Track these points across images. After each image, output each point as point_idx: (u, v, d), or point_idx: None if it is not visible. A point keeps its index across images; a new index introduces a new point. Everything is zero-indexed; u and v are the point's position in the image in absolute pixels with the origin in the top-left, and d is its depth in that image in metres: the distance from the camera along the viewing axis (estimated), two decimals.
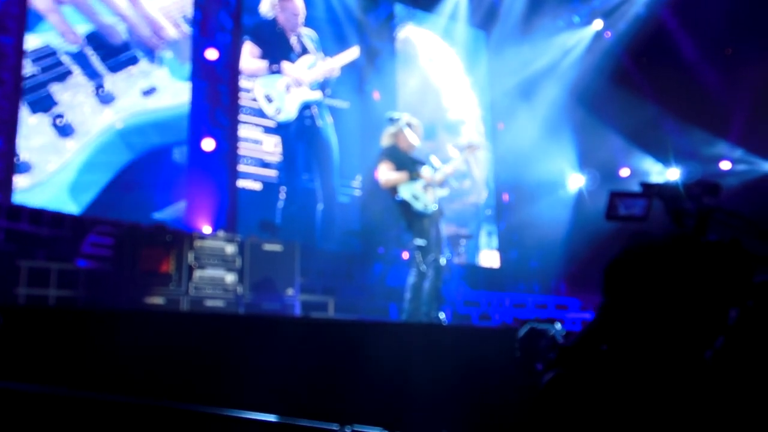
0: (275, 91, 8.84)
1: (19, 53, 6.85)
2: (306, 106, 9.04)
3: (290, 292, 6.78)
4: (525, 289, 10.20)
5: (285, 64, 8.95)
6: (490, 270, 10.41)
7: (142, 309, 5.75)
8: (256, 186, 8.48)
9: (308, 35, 9.25)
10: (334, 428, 1.90)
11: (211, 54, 8.09)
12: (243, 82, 8.55)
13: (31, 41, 6.99)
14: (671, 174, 10.30)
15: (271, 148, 8.69)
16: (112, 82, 7.43)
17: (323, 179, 9.07)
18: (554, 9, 10.90)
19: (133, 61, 7.63)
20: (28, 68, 6.93)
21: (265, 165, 8.61)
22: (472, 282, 9.49)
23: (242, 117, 8.49)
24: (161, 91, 7.78)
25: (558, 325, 2.07)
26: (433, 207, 5.75)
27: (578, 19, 11.27)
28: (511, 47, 10.61)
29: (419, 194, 5.73)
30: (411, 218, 5.76)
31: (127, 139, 7.45)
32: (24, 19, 6.93)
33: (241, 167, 8.36)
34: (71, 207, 6.99)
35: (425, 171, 5.83)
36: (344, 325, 4.93)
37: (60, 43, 7.15)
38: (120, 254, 6.05)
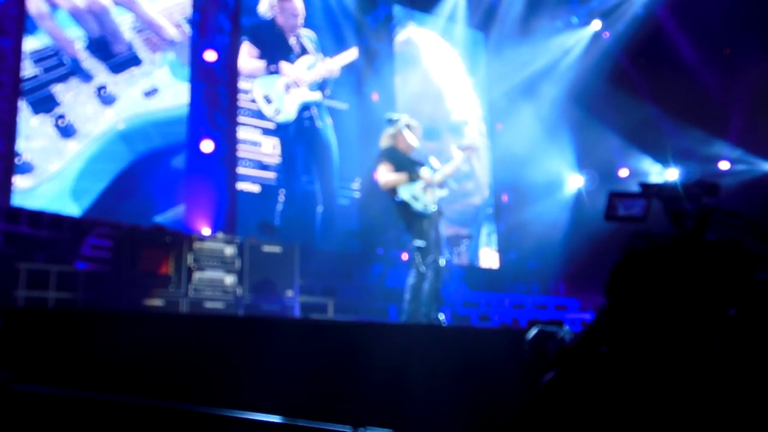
0: (274, 91, 8.82)
1: (18, 55, 6.85)
2: (305, 107, 9.03)
3: (290, 293, 6.78)
4: (524, 289, 10.21)
5: (283, 65, 8.94)
6: (490, 271, 10.41)
7: (142, 311, 5.74)
8: (255, 188, 8.46)
9: (307, 36, 9.24)
10: (347, 431, 1.90)
11: (210, 56, 8.09)
12: (242, 84, 8.54)
13: (33, 42, 7.00)
14: (670, 174, 10.31)
15: (270, 150, 8.67)
16: (113, 83, 7.43)
17: (323, 181, 9.05)
18: (553, 10, 10.91)
19: (135, 62, 7.64)
20: (30, 69, 6.94)
21: (264, 167, 8.59)
22: (472, 283, 9.50)
23: (241, 119, 8.47)
24: (163, 91, 7.79)
25: (566, 328, 2.08)
26: (432, 208, 5.75)
27: (577, 20, 11.29)
28: (510, 48, 10.62)
29: (419, 195, 5.73)
30: (410, 219, 5.75)
31: (128, 140, 7.45)
32: (22, 20, 6.93)
33: (240, 170, 8.34)
34: (73, 208, 6.99)
35: (424, 172, 5.83)
36: (344, 326, 4.93)
37: (60, 44, 7.15)
38: (119, 256, 6.05)
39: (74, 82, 7.17)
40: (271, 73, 8.85)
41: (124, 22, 7.60)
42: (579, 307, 9.54)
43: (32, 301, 5.64)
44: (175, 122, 7.84)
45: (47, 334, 3.04)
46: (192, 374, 3.20)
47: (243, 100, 8.53)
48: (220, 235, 6.81)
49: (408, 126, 5.96)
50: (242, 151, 8.41)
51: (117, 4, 7.56)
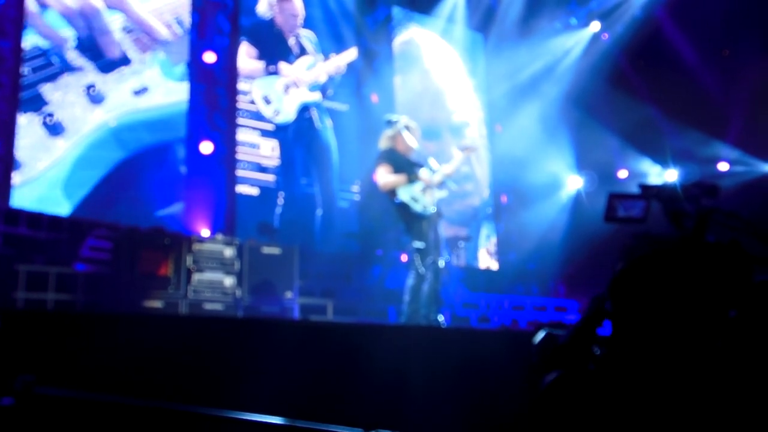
0: (273, 92, 8.80)
1: (17, 56, 6.85)
2: (305, 108, 9.00)
3: (289, 295, 6.78)
4: (523, 291, 10.20)
5: (282, 65, 8.92)
6: (489, 272, 10.41)
7: (141, 312, 5.74)
8: (254, 191, 8.43)
9: (307, 36, 9.22)
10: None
11: (209, 57, 8.09)
12: (240, 85, 8.52)
13: (22, 42, 6.99)
14: (669, 175, 10.31)
15: (269, 152, 8.64)
16: (102, 81, 7.43)
17: (322, 184, 9.01)
18: (551, 11, 10.92)
19: (125, 61, 7.63)
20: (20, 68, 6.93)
21: (263, 169, 8.54)
22: (471, 284, 9.49)
23: (240, 120, 8.45)
24: (153, 90, 7.78)
25: None
26: (431, 209, 5.75)
27: (575, 21, 11.30)
28: (509, 49, 10.63)
29: (418, 196, 5.73)
30: (410, 220, 5.75)
31: (119, 137, 7.45)
32: (22, 22, 6.93)
33: (238, 172, 8.30)
34: (62, 205, 6.96)
35: (423, 173, 5.83)
36: (343, 327, 4.93)
37: (49, 44, 7.15)
38: (118, 258, 6.04)
39: (62, 81, 7.17)
40: (270, 73, 8.82)
41: (114, 23, 7.59)
42: (578, 308, 9.53)
43: (31, 302, 5.63)
44: (165, 120, 7.82)
45: (46, 336, 3.04)
46: (192, 376, 3.20)
47: (241, 102, 8.50)
48: (219, 236, 6.80)
49: (407, 127, 5.96)
50: (241, 154, 8.37)
51: (109, 6, 7.56)
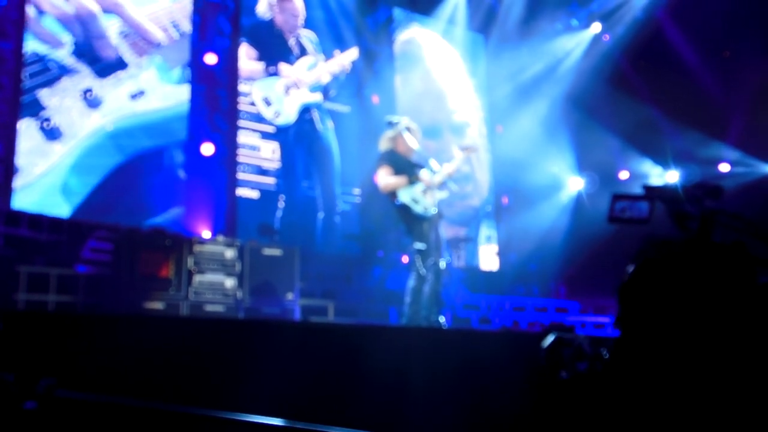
0: (274, 93, 8.76)
1: (19, 58, 6.86)
2: (306, 110, 8.96)
3: (290, 296, 6.78)
4: (524, 292, 10.19)
5: (283, 66, 8.88)
6: (490, 273, 10.41)
7: (142, 314, 5.74)
8: (254, 194, 8.39)
9: (307, 36, 9.17)
10: None
11: (210, 58, 8.09)
12: (241, 87, 8.49)
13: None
14: (670, 176, 10.31)
15: (269, 154, 8.60)
16: (99, 86, 7.43)
17: (324, 187, 8.95)
18: (552, 12, 10.92)
19: (121, 65, 7.63)
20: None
21: (263, 172, 8.50)
22: (472, 285, 9.49)
23: (240, 122, 8.40)
24: (149, 94, 7.78)
25: (582, 335, 2.08)
26: (432, 210, 5.75)
27: (576, 23, 11.29)
28: (510, 50, 10.64)
29: (418, 198, 5.72)
30: (410, 222, 5.75)
31: (116, 141, 7.45)
32: (23, 23, 6.93)
33: (239, 175, 8.26)
34: (59, 210, 6.95)
35: (424, 174, 5.83)
36: (344, 329, 4.92)
37: (46, 49, 7.16)
38: (119, 259, 6.04)
39: (60, 86, 7.17)
40: (271, 74, 8.78)
41: (110, 27, 7.60)
42: (579, 309, 9.53)
43: (32, 304, 5.63)
44: (162, 124, 7.82)
45: (47, 337, 3.04)
46: (192, 377, 3.20)
47: (242, 104, 8.46)
48: (220, 238, 6.80)
49: (408, 129, 5.96)
50: (241, 156, 8.33)
51: (105, 10, 7.57)
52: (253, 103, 8.59)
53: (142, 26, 7.83)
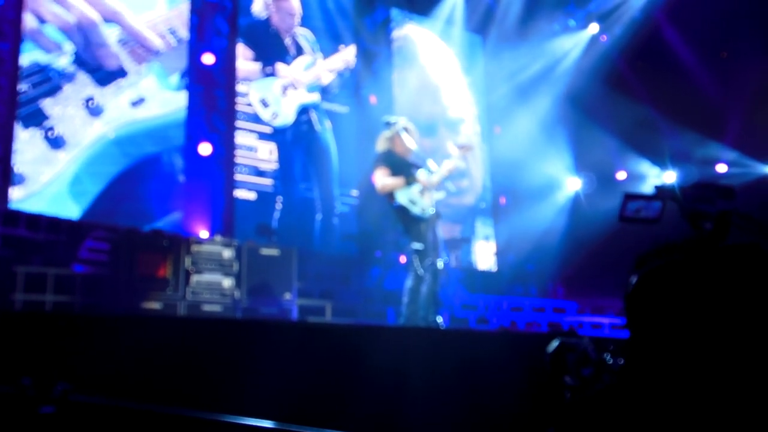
0: (271, 94, 8.71)
1: (16, 58, 6.84)
2: (304, 110, 8.92)
3: (288, 296, 6.77)
4: (522, 292, 10.20)
5: (279, 66, 8.83)
6: (488, 273, 10.41)
7: (140, 314, 5.73)
8: (251, 196, 8.36)
9: (304, 35, 9.12)
10: None
11: (208, 59, 8.08)
12: (238, 87, 8.46)
13: (21, 58, 7.01)
14: (668, 177, 10.33)
15: (267, 155, 8.56)
16: (100, 94, 7.45)
17: (322, 188, 8.91)
18: (550, 13, 10.93)
19: (122, 73, 7.64)
20: (19, 85, 6.95)
21: (260, 173, 8.46)
22: (470, 285, 9.50)
23: (237, 123, 8.36)
24: (150, 101, 7.79)
25: (587, 339, 2.07)
26: (430, 211, 5.75)
27: (574, 23, 11.31)
28: (508, 51, 10.64)
29: (416, 198, 5.72)
30: (408, 222, 5.75)
31: (119, 148, 7.48)
32: (20, 23, 6.92)
33: (236, 176, 8.23)
34: (70, 211, 6.98)
35: (421, 174, 5.82)
36: (342, 329, 4.92)
37: (48, 59, 7.17)
38: (117, 259, 6.04)
39: (62, 95, 7.20)
40: (267, 75, 8.73)
41: (110, 36, 7.60)
42: (577, 309, 9.54)
43: (30, 304, 5.62)
44: (163, 130, 7.82)
45: (45, 337, 3.03)
46: (190, 377, 3.19)
47: (239, 104, 8.43)
48: (218, 238, 6.80)
49: (405, 129, 5.95)
50: (238, 157, 8.29)
51: (105, 19, 7.56)
52: (250, 104, 8.56)
53: (140, 34, 7.83)
